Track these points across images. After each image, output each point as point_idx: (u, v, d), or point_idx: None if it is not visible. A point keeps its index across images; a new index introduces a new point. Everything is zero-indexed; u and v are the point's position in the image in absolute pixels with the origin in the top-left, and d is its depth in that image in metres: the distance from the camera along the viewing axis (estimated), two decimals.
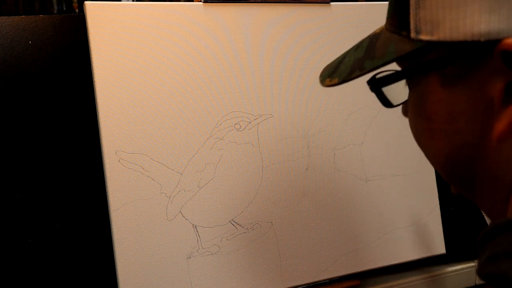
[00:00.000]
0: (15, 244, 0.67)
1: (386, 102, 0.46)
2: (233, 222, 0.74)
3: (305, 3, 0.81)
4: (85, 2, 0.68)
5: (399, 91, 0.46)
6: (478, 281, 0.94)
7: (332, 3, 0.82)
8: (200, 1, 0.74)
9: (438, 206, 0.89)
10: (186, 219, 0.71)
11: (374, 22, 0.85)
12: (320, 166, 0.81)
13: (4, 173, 0.68)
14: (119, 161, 0.68)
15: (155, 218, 0.69)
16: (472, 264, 0.93)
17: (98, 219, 0.70)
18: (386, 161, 0.86)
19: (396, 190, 0.86)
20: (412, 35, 0.38)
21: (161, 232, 0.69)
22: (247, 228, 0.75)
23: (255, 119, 0.76)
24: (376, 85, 0.44)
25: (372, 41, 0.44)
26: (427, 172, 0.88)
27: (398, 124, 0.87)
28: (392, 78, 0.42)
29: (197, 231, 0.72)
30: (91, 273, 0.70)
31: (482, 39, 0.34)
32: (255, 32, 0.77)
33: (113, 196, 0.67)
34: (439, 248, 0.88)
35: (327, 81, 0.47)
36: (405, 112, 0.48)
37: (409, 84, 0.44)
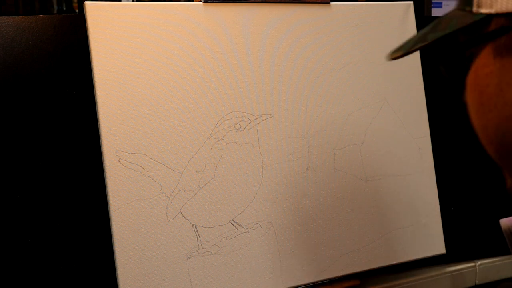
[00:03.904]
0: (15, 244, 0.67)
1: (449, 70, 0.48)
2: (233, 222, 0.74)
3: (305, 3, 0.81)
4: (85, 2, 0.68)
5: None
6: (478, 281, 0.94)
7: (332, 3, 0.82)
8: (200, 1, 0.74)
9: (438, 206, 0.89)
10: (186, 219, 0.71)
11: (374, 22, 0.85)
12: (320, 166, 0.81)
13: (4, 173, 0.68)
14: (119, 161, 0.68)
15: (155, 218, 0.69)
16: (472, 264, 0.93)
17: (98, 219, 0.70)
18: (386, 161, 0.85)
19: (396, 190, 0.86)
20: (474, 9, 0.40)
21: (161, 232, 0.69)
22: (247, 228, 0.75)
23: (255, 119, 0.76)
24: (435, 60, 0.47)
25: (439, 20, 0.47)
26: (427, 172, 0.88)
27: (398, 124, 0.87)
28: (450, 51, 0.44)
29: (197, 231, 0.72)
30: (91, 273, 0.70)
31: None
32: (255, 32, 0.77)
33: (113, 196, 0.67)
34: (439, 248, 0.88)
35: (392, 54, 0.49)
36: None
37: (466, 61, 0.45)
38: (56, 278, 0.69)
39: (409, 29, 0.88)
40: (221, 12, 0.75)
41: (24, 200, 0.68)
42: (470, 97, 0.43)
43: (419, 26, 0.89)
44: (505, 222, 0.62)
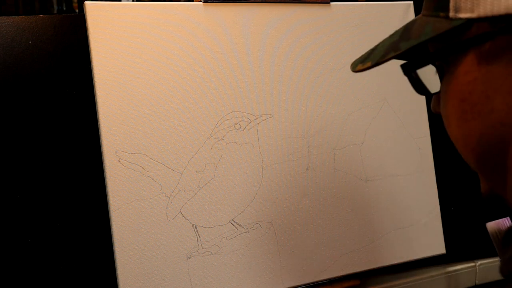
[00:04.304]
0: (15, 244, 0.67)
1: (421, 88, 0.45)
2: (233, 222, 0.74)
3: (305, 3, 0.81)
4: (85, 2, 0.68)
5: (433, 82, 0.45)
6: (478, 281, 0.94)
7: (332, 3, 0.82)
8: (200, 1, 0.74)
9: (438, 206, 0.89)
10: (186, 219, 0.71)
11: (374, 22, 0.85)
12: (320, 166, 0.81)
13: (4, 173, 0.68)
14: (119, 161, 0.68)
15: (155, 218, 0.69)
16: (472, 264, 0.93)
17: (98, 219, 0.70)
18: (386, 161, 0.86)
19: (396, 190, 0.86)
20: (451, 14, 0.38)
21: (161, 232, 0.69)
22: (247, 228, 0.75)
23: (255, 119, 0.76)
24: (409, 68, 0.43)
25: (407, 27, 0.44)
26: (427, 172, 0.88)
27: (398, 124, 0.87)
28: (427, 59, 0.42)
29: (197, 231, 0.72)
30: (91, 273, 0.70)
31: None
32: (255, 32, 0.77)
33: (113, 196, 0.67)
34: (439, 248, 0.88)
35: (359, 66, 0.46)
36: (435, 106, 0.47)
37: (442, 69, 0.43)
38: (56, 278, 0.69)
39: None
40: (221, 12, 0.75)
41: (24, 200, 0.68)
42: (450, 105, 0.41)
43: None
44: (491, 225, 0.62)
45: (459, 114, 0.40)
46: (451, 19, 0.38)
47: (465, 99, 0.39)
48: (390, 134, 0.86)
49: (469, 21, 0.37)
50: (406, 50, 0.41)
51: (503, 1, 0.34)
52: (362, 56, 0.48)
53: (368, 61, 0.45)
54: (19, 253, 0.68)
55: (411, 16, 0.88)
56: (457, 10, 0.37)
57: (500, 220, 0.62)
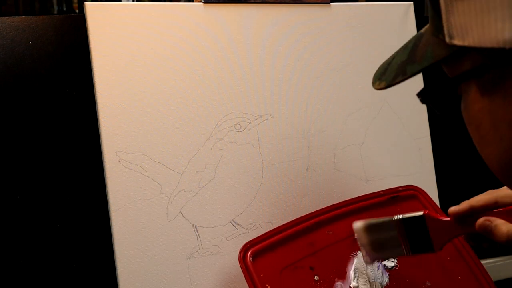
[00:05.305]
0: (15, 244, 0.68)
1: (442, 109, 0.46)
2: (233, 223, 0.74)
3: (305, 3, 0.81)
4: (85, 2, 0.68)
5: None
6: None
7: (332, 3, 0.82)
8: (200, 2, 0.74)
9: (438, 206, 0.89)
10: (186, 219, 0.71)
11: (374, 22, 0.85)
12: (320, 167, 0.81)
13: (4, 173, 0.68)
14: (119, 161, 0.68)
15: (155, 219, 0.69)
16: None
17: (98, 219, 0.70)
18: (386, 162, 0.86)
19: None
20: (447, 39, 0.38)
21: (161, 233, 0.69)
22: (247, 229, 0.75)
23: (255, 119, 0.76)
24: (424, 98, 0.45)
25: (416, 42, 0.44)
26: (427, 172, 0.88)
27: (398, 124, 0.87)
28: (437, 93, 0.43)
29: (197, 232, 0.72)
30: (91, 273, 0.70)
31: (507, 47, 0.33)
32: (255, 33, 0.77)
33: (114, 197, 0.67)
34: None
35: (377, 84, 0.48)
36: None
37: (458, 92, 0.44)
38: (56, 278, 0.69)
39: (409, 29, 0.88)
40: (221, 13, 0.75)
41: (24, 200, 0.68)
42: (470, 130, 0.42)
43: (419, 26, 0.89)
44: (357, 224, 0.61)
45: (478, 139, 0.41)
46: (448, 45, 0.38)
47: (479, 127, 0.40)
48: (390, 135, 0.86)
49: (463, 48, 0.37)
50: (412, 75, 0.42)
51: (487, 35, 0.34)
52: (381, 67, 0.49)
53: (383, 80, 0.47)
54: (19, 253, 0.68)
55: (411, 16, 0.88)
56: (451, 37, 0.37)
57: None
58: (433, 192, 0.89)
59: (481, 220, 0.56)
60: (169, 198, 0.70)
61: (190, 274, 0.71)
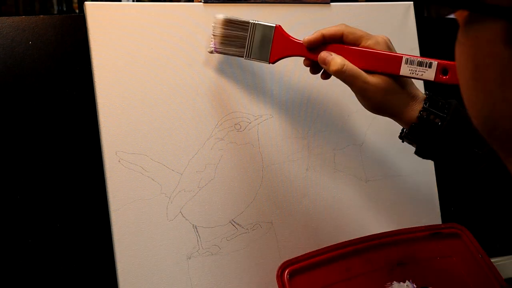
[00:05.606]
0: (15, 244, 0.67)
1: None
2: (233, 223, 0.74)
3: (305, 3, 0.81)
4: (85, 2, 0.68)
5: None
6: None
7: (332, 3, 0.82)
8: (201, 2, 0.74)
9: (438, 206, 0.89)
10: (186, 219, 0.71)
11: (374, 22, 0.85)
12: (320, 167, 0.81)
13: (4, 173, 0.68)
14: (119, 161, 0.68)
15: (155, 219, 0.69)
16: None
17: (98, 219, 0.70)
18: (386, 162, 0.85)
19: (396, 190, 0.86)
20: None
21: (161, 233, 0.69)
22: (247, 229, 0.75)
23: (256, 119, 0.76)
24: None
25: None
26: (427, 172, 0.88)
27: (398, 124, 0.87)
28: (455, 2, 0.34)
29: (197, 232, 0.72)
30: (91, 273, 0.70)
31: None
32: None
33: (113, 197, 0.67)
34: None
35: None
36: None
37: (463, 20, 0.35)
38: (56, 278, 0.69)
39: (409, 30, 0.88)
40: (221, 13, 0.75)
41: (24, 200, 0.68)
42: (462, 59, 0.35)
43: (419, 26, 0.89)
44: (219, 15, 0.68)
45: (471, 80, 0.35)
46: None
47: (479, 70, 0.33)
48: (390, 134, 0.86)
49: None
50: None
51: None
52: None
53: None
54: (19, 253, 0.68)
55: (411, 16, 0.88)
56: None
57: None
58: (433, 192, 0.89)
59: (323, 52, 0.64)
60: (169, 198, 0.70)
61: (190, 274, 0.71)
